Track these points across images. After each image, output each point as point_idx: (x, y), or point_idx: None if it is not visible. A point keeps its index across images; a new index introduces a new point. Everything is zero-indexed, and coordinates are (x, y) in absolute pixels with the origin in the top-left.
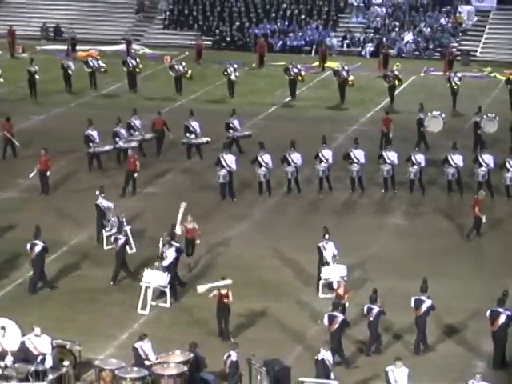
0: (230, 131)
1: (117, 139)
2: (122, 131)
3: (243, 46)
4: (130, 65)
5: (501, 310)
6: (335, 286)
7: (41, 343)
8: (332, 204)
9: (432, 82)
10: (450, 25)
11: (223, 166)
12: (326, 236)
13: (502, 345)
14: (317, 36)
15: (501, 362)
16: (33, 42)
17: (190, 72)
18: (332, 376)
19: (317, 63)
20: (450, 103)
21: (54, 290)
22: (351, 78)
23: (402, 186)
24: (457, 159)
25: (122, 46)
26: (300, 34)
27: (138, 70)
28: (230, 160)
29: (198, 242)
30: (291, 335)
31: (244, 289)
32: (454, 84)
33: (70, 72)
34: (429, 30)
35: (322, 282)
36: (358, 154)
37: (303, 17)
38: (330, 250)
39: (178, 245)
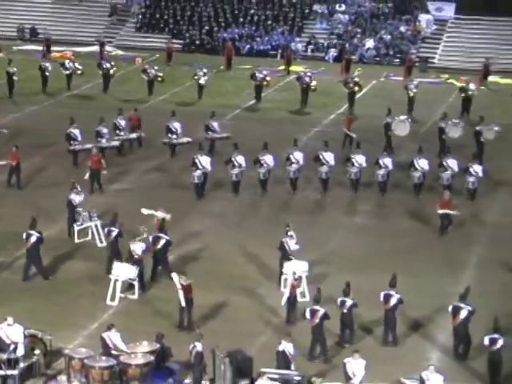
0: (209, 133)
1: (99, 138)
2: (105, 130)
3: (212, 50)
4: (105, 67)
5: (462, 305)
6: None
7: (13, 332)
8: (301, 203)
9: (392, 86)
10: (409, 32)
11: (198, 167)
12: (289, 232)
13: (462, 338)
14: (282, 41)
15: (461, 354)
16: (9, 42)
17: (161, 75)
18: (292, 367)
19: (282, 67)
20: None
21: (48, 279)
22: (314, 83)
23: (369, 187)
24: (422, 163)
25: (96, 48)
26: (266, 38)
27: (111, 72)
28: (205, 161)
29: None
30: (254, 327)
31: (210, 282)
32: (410, 91)
33: (46, 73)
34: (389, 37)
35: (283, 276)
36: (328, 157)
37: (270, 22)
38: (291, 244)
39: (167, 237)
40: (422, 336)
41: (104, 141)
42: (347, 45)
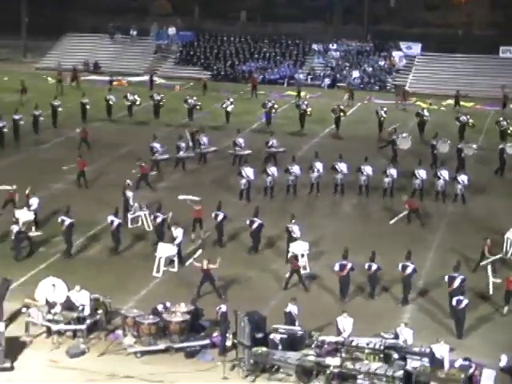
0: (268, 148)
1: (180, 151)
2: (183, 145)
3: (234, 79)
4: (156, 99)
5: (456, 274)
6: (300, 257)
7: (81, 297)
8: (317, 203)
9: (373, 107)
10: (386, 66)
11: (243, 176)
12: (293, 220)
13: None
14: (288, 72)
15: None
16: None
17: (200, 104)
18: (296, 324)
19: (288, 92)
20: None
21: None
22: (309, 109)
23: (376, 191)
24: (421, 173)
25: (144, 78)
26: (276, 70)
27: (161, 103)
28: (249, 172)
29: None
30: (267, 294)
31: (234, 259)
32: (380, 115)
33: (111, 103)
34: (371, 69)
35: (289, 254)
36: (342, 166)
37: (278, 58)
38: (295, 230)
39: (260, 221)
40: (396, 299)
41: (182, 152)
42: (338, 75)
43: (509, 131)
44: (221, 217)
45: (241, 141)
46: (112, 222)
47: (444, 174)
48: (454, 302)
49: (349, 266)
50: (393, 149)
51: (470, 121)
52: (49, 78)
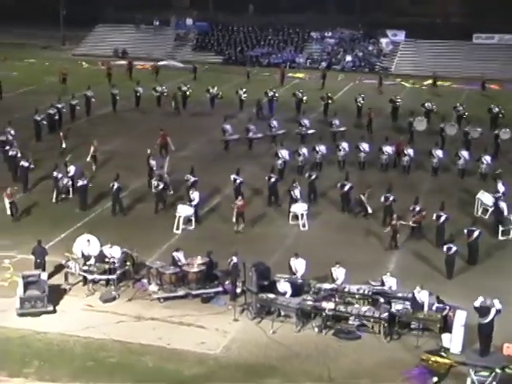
0: (300, 128)
1: (249, 132)
2: (252, 127)
3: (243, 63)
4: (183, 89)
5: (474, 228)
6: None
7: (113, 251)
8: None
9: (363, 87)
10: (375, 51)
11: (279, 157)
12: (294, 185)
13: (474, 251)
14: (290, 57)
15: (473, 262)
16: (108, 59)
17: (220, 93)
18: (298, 274)
19: (290, 74)
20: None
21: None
22: (305, 97)
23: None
24: (438, 153)
25: (165, 62)
26: (279, 55)
27: (188, 93)
28: (284, 153)
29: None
30: (272, 247)
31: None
32: (358, 103)
33: (138, 94)
34: (361, 53)
35: (291, 214)
36: (365, 146)
37: (281, 44)
38: (296, 193)
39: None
40: (375, 253)
41: (251, 134)
42: (333, 59)
43: (464, 116)
44: (161, 185)
45: (306, 122)
46: (113, 186)
47: (464, 154)
48: (444, 249)
49: (391, 198)
50: (410, 131)
51: (434, 107)
52: (83, 63)
